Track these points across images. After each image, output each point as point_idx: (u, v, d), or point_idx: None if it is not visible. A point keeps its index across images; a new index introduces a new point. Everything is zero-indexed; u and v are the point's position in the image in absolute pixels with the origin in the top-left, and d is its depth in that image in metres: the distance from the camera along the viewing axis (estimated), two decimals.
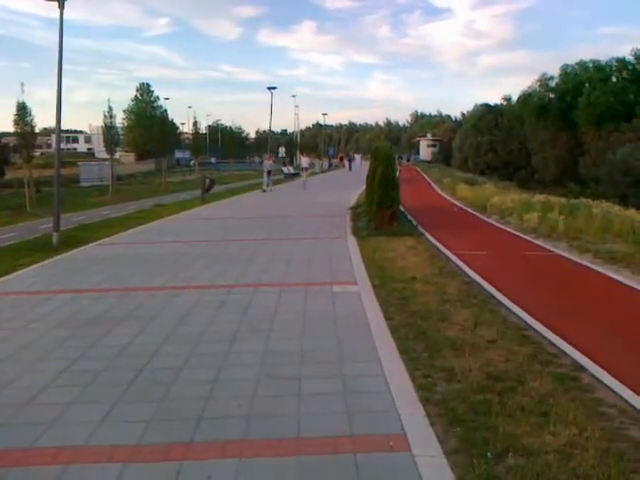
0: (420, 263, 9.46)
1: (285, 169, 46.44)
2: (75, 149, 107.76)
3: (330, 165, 66.03)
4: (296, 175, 46.60)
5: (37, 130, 34.68)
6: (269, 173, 27.15)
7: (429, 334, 5.73)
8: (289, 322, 6.03)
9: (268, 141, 46.83)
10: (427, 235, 12.79)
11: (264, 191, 26.76)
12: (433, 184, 35.55)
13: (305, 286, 7.67)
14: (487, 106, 69.41)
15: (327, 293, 7.24)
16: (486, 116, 66.13)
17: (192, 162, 69.24)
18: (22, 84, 31.68)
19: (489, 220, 16.48)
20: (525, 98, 54.92)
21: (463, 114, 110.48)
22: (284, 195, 26.43)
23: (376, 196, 13.25)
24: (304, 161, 38.61)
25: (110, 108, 36.73)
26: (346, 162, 59.88)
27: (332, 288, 7.48)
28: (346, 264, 9.24)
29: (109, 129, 37.00)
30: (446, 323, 6.10)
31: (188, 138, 75.32)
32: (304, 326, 5.87)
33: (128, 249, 11.58)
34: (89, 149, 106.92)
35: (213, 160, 70.45)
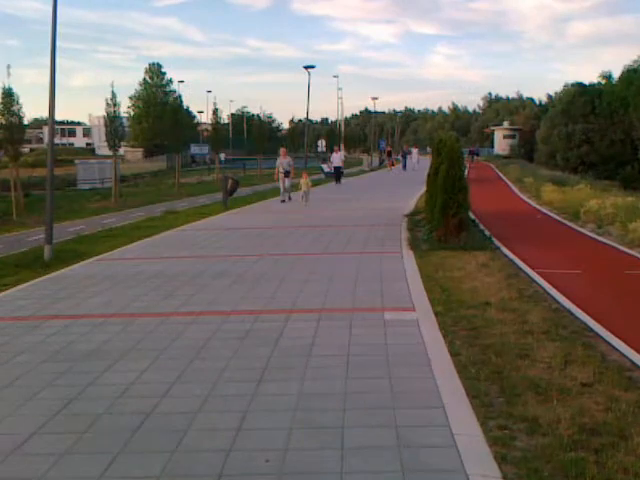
0: (495, 284, 9.37)
1: (325, 167, 46.73)
2: (72, 144, 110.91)
3: (381, 162, 66.14)
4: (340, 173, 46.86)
5: (26, 122, 35.83)
6: (287, 175, 24.39)
7: (506, 374, 5.66)
8: (329, 357, 6.05)
9: (305, 132, 47.30)
10: (503, 249, 12.66)
11: (283, 201, 24.23)
12: (511, 185, 35.21)
13: (350, 312, 7.68)
14: (581, 86, 68.42)
15: (377, 321, 7.24)
16: (579, 99, 65.20)
17: (207, 157, 70.28)
18: (8, 66, 32.62)
19: (583, 230, 16.20)
20: (630, 75, 53.98)
21: (550, 96, 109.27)
22: (323, 200, 26.58)
23: (439, 200, 13.20)
24: (335, 158, 37.04)
25: (113, 94, 37.68)
26: (397, 158, 59.87)
27: (383, 315, 7.48)
28: (401, 285, 9.22)
29: (112, 120, 37.89)
30: (528, 361, 6.02)
31: (207, 130, 76.66)
32: (348, 362, 5.88)
33: (134, 266, 11.80)
34: (88, 144, 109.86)
35: (222, 157, 71.66)
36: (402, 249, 12.73)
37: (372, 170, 59.81)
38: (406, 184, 35.23)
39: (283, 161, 24.56)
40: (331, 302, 8.31)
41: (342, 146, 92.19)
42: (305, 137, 48.26)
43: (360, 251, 12.67)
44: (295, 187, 25.66)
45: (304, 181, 23.77)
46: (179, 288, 9.52)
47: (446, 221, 13.07)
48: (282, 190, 24.65)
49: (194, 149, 78.40)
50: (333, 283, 9.53)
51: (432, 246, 12.81)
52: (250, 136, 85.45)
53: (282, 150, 25.44)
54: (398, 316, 7.44)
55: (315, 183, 37.29)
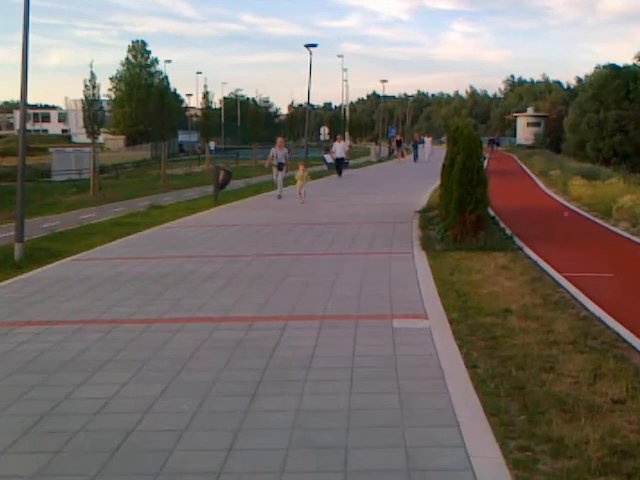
0: (516, 289, 9.38)
1: (328, 157, 46.74)
2: (46, 131, 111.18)
3: (391, 152, 66.19)
4: (345, 164, 46.80)
5: None
6: (280, 168, 24.03)
7: (528, 389, 5.66)
8: (332, 370, 6.05)
9: (306, 119, 47.32)
10: (526, 250, 12.66)
11: (279, 197, 23.75)
12: (535, 178, 35.22)
13: (355, 320, 7.69)
14: (614, 68, 68.35)
15: (385, 330, 7.25)
16: (612, 82, 65.16)
17: (197, 145, 70.34)
18: None
19: (616, 229, 16.19)
20: None
21: (579, 80, 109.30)
22: (325, 194, 26.58)
23: (455, 195, 13.21)
24: (338, 148, 36.42)
25: (93, 75, 37.64)
26: (408, 147, 59.84)
27: (392, 323, 7.49)
28: (412, 290, 9.24)
29: (91, 104, 37.87)
30: (553, 374, 6.02)
31: (196, 115, 76.72)
32: (352, 375, 5.88)
33: (115, 266, 11.82)
34: (64, 130, 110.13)
35: (213, 146, 71.43)
36: (413, 249, 12.74)
37: (380, 161, 59.84)
38: (418, 177, 35.24)
39: (278, 152, 24.17)
40: (334, 308, 8.32)
41: (347, 134, 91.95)
42: (306, 124, 48.33)
43: (366, 251, 12.68)
44: (290, 180, 25.43)
45: (300, 174, 22.68)
46: (164, 292, 9.53)
47: (462, 218, 13.07)
48: (277, 184, 24.44)
49: (182, 137, 78.45)
50: (336, 287, 9.54)
51: (447, 246, 12.82)
52: (244, 123, 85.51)
53: (279, 140, 25.12)
54: (408, 324, 7.44)
55: (316, 175, 37.38)
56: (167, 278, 10.52)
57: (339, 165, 36.22)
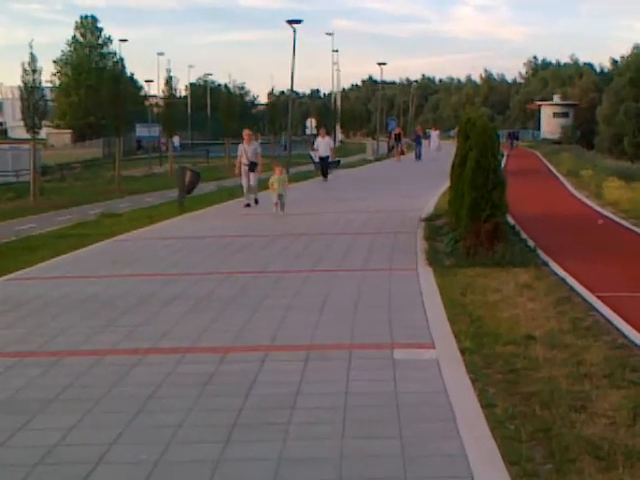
0: (541, 312, 9.41)
1: (315, 155, 46.84)
2: None
3: (390, 148, 66.41)
4: (334, 164, 46.81)
5: None
6: (252, 169, 23.28)
7: (555, 432, 5.67)
8: (320, 411, 6.05)
9: (289, 109, 47.44)
10: (552, 265, 12.70)
11: (247, 205, 23.25)
12: (563, 179, 35.42)
13: (348, 350, 7.69)
14: None
15: (384, 362, 7.25)
16: None
17: (159, 141, 70.25)
18: None
19: None
20: None
21: (614, 62, 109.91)
22: (312, 199, 26.64)
23: (467, 199, 13.25)
24: (321, 145, 35.61)
25: (33, 57, 37.62)
26: (408, 144, 60.02)
27: (393, 353, 7.49)
28: (416, 313, 9.25)
29: (31, 92, 37.83)
30: (584, 414, 6.03)
31: (158, 105, 76.77)
32: (345, 417, 5.88)
33: (59, 287, 11.78)
34: None
35: (177, 141, 70.82)
36: (418, 265, 12.77)
37: (378, 160, 60.02)
38: (423, 178, 35.37)
39: (247, 148, 23.31)
40: (323, 336, 8.31)
41: (338, 128, 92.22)
42: (289, 115, 48.48)
43: (362, 268, 12.69)
44: (263, 185, 24.41)
45: (277, 178, 20.90)
46: (119, 317, 9.50)
47: (476, 227, 13.10)
48: (246, 189, 23.59)
49: (140, 131, 78.45)
50: (325, 311, 9.54)
51: (458, 261, 12.84)
52: (215, 113, 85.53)
53: (246, 133, 24.01)
54: (412, 355, 7.44)
55: (302, 177, 37.48)
56: (122, 301, 10.50)
57: (324, 166, 35.80)
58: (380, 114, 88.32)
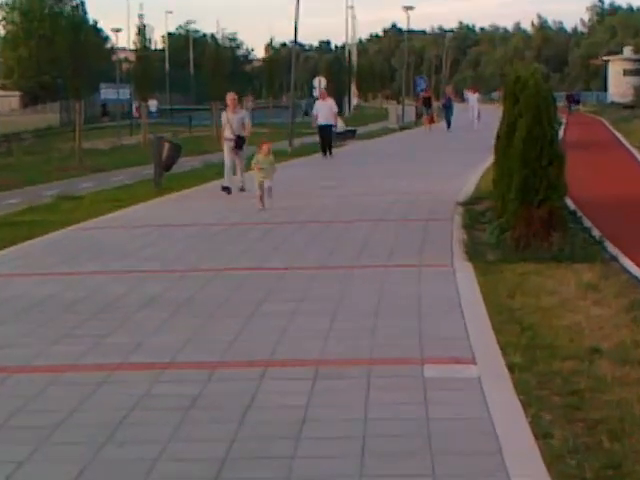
0: (609, 319, 9.37)
1: (313, 122, 46.83)
2: None
3: (419, 115, 66.31)
4: (349, 134, 46.87)
5: None
6: (238, 144, 22.39)
7: (628, 469, 5.65)
8: (332, 442, 6.02)
9: (292, 65, 47.27)
10: (623, 260, 12.64)
11: (227, 191, 22.22)
12: (636, 153, 35.22)
13: (367, 366, 7.68)
14: None
15: (412, 381, 7.23)
16: None
17: (129, 106, 70.18)
18: None
19: None
20: None
21: None
22: (322, 177, 26.59)
23: (516, 179, 13.21)
24: (321, 109, 34.66)
25: None
26: (434, 110, 59.72)
27: (423, 370, 7.48)
28: (453, 321, 9.24)
29: None
30: None
31: (128, 60, 76.76)
32: (364, 449, 5.85)
33: (5, 287, 11.84)
34: None
35: (154, 106, 70.16)
36: (454, 260, 12.76)
37: (404, 128, 60.00)
38: (460, 152, 35.31)
39: (232, 117, 22.64)
40: (335, 349, 8.30)
41: (353, 88, 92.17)
42: (292, 73, 48.27)
43: (383, 263, 12.67)
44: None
45: (262, 158, 19.19)
46: (81, 325, 9.50)
47: (528, 213, 13.06)
48: (227, 168, 22.63)
49: (106, 93, 78.41)
50: (339, 317, 9.54)
51: (504, 255, 12.80)
52: (200, 71, 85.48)
53: (230, 98, 23.32)
54: (448, 372, 7.43)
55: (305, 151, 37.42)
56: (85, 305, 10.50)
57: (325, 137, 34.94)
58: (406, 72, 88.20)
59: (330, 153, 34.84)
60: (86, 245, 15.47)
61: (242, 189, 22.29)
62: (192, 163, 33.03)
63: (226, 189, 22.30)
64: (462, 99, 59.10)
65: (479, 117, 52.70)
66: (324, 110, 34.77)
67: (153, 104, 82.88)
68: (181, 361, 8.09)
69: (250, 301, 10.43)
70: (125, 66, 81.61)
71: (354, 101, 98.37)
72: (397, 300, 10.31)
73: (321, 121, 34.71)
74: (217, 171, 29.29)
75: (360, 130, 53.46)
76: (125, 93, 75.27)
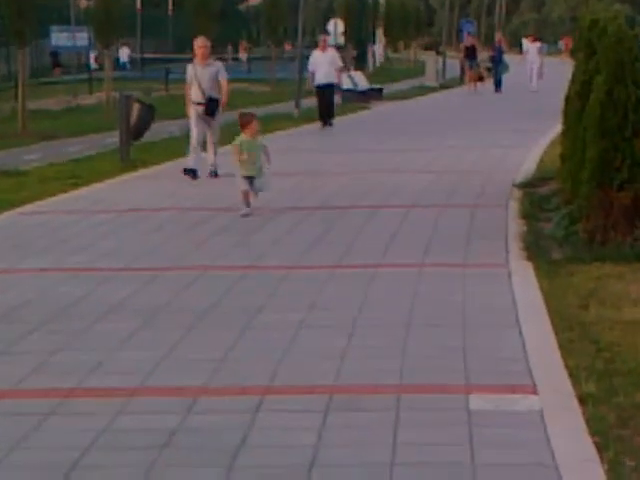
0: None
1: (343, 78, 46.77)
2: None
3: (464, 70, 66.15)
4: (373, 93, 46.92)
5: None
6: (210, 111, 21.35)
7: None
8: None
9: (299, 2, 47.17)
10: None
11: (191, 175, 20.96)
12: None
13: (394, 395, 7.68)
14: None
15: (453, 414, 7.24)
16: None
17: (88, 55, 70.17)
18: None
19: None
20: None
21: None
22: (337, 149, 26.58)
23: (591, 153, 13.17)
24: (319, 64, 33.83)
25: None
26: (477, 61, 59.54)
27: (468, 401, 7.49)
28: (507, 338, 9.25)
29: None
30: None
31: None
32: None
33: None
34: None
35: (124, 56, 69.57)
36: (510, 258, 12.78)
37: (445, 87, 59.94)
38: (516, 119, 35.28)
39: (202, 72, 21.60)
40: (353, 372, 8.30)
41: (379, 34, 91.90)
42: (299, 14, 48.21)
43: (417, 262, 12.67)
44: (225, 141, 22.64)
45: (248, 140, 17.07)
46: (24, 337, 9.51)
47: (606, 199, 13.02)
48: (194, 143, 21.52)
49: (59, 38, 78.06)
50: (358, 332, 9.54)
51: (575, 253, 12.78)
52: (181, 11, 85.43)
53: (199, 44, 22.11)
54: (500, 404, 7.43)
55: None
56: (29, 312, 10.53)
57: (322, 100, 34.42)
58: (449, 13, 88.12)
59: (330, 123, 34.52)
60: (31, 235, 15.45)
61: (214, 173, 21.38)
62: (169, 129, 32.93)
63: (191, 172, 21.10)
64: (521, 50, 58.69)
65: (540, 74, 52.53)
66: (323, 65, 33.96)
67: (126, 53, 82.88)
68: (153, 385, 8.10)
69: (243, 309, 10.44)
70: (83, 3, 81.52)
71: (380, 51, 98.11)
72: (435, 310, 10.32)
73: (320, 80, 34.08)
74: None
75: (388, 89, 53.50)
76: (83, 38, 74.93)
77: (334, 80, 34.37)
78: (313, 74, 34.45)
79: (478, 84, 54.44)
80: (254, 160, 16.65)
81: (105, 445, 6.85)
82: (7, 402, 7.76)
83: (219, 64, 22.60)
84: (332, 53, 35.26)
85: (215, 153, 21.53)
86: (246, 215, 16.27)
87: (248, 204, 16.51)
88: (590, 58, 14.06)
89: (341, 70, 36.26)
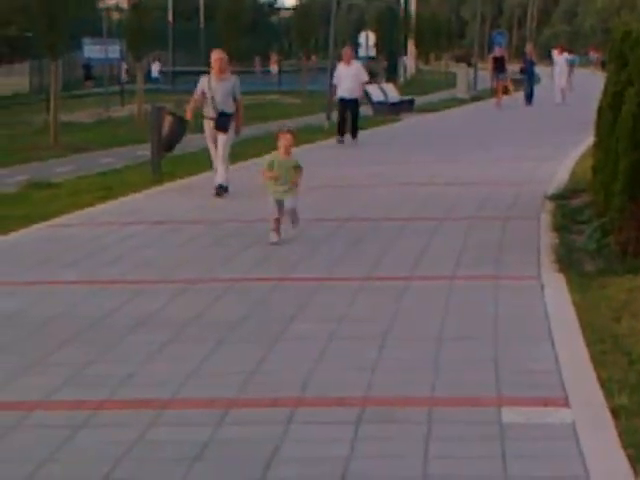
0: None
1: (374, 90, 46.81)
2: None
3: (496, 80, 65.94)
4: (405, 105, 46.93)
5: None
6: (221, 126, 20.34)
7: None
8: None
9: (331, 14, 47.26)
10: None
11: (221, 192, 20.19)
12: None
13: (427, 408, 7.68)
14: None
15: (486, 428, 7.24)
16: None
17: (120, 67, 70.30)
18: None
19: None
20: None
21: None
22: (366, 160, 26.55)
23: (624, 165, 13.11)
24: (344, 76, 32.43)
25: None
26: (509, 77, 59.22)
27: (500, 415, 7.48)
28: (539, 350, 9.23)
29: None
30: None
31: (119, 8, 76.84)
32: None
33: None
34: None
35: (156, 69, 69.83)
36: (541, 271, 12.72)
37: (476, 99, 59.83)
38: (547, 131, 35.17)
39: (217, 85, 20.67)
40: (385, 384, 8.30)
41: (410, 46, 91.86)
42: (331, 26, 48.27)
43: (448, 274, 12.64)
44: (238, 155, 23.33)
45: (281, 158, 15.31)
46: (55, 350, 9.53)
47: (638, 211, 12.95)
48: (214, 157, 20.96)
49: (91, 50, 78.24)
50: (389, 344, 9.54)
51: (608, 265, 12.72)
52: (212, 23, 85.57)
53: (216, 57, 20.89)
54: (532, 417, 7.41)
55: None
56: (60, 324, 10.55)
57: (344, 114, 32.99)
58: (481, 26, 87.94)
59: (355, 136, 33.16)
60: (63, 247, 15.46)
61: (222, 187, 20.49)
62: (201, 142, 32.93)
63: (221, 189, 20.46)
64: (551, 62, 58.35)
65: (569, 87, 52.37)
66: (347, 78, 32.66)
67: (156, 67, 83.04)
68: (184, 398, 8.11)
69: (274, 321, 10.45)
70: (116, 15, 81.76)
71: (411, 63, 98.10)
72: (466, 322, 10.29)
73: (343, 93, 32.79)
74: (233, 152, 29.37)
75: (419, 100, 53.39)
76: (115, 51, 75.10)
77: (358, 94, 33.36)
78: (335, 88, 33.61)
79: (503, 97, 54.05)
80: (285, 180, 15.09)
81: (136, 457, 6.87)
82: (38, 414, 7.77)
83: (235, 78, 21.37)
84: (357, 66, 34.09)
85: (225, 167, 20.62)
86: (275, 244, 14.84)
87: (278, 231, 15.02)
88: (622, 69, 14.01)
89: (367, 83, 35.36)
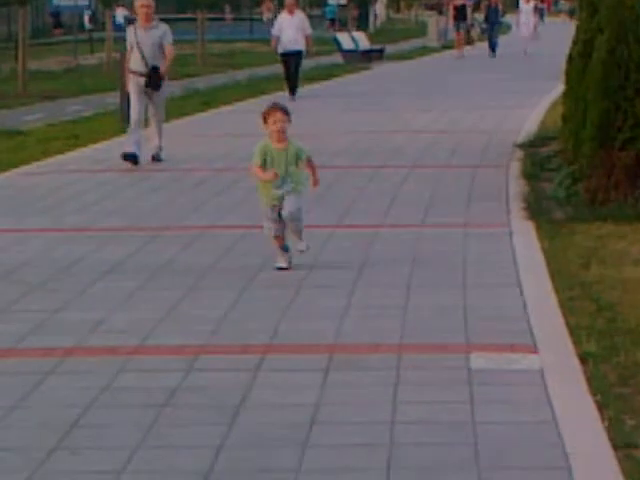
0: None
1: (345, 39, 46.61)
2: None
3: (469, 30, 65.75)
4: (375, 54, 46.83)
5: None
6: (152, 81, 18.36)
7: None
8: (351, 451, 6.02)
9: None
10: None
11: (131, 160, 17.76)
12: None
13: (396, 353, 7.69)
14: None
15: (454, 373, 7.25)
16: None
17: (88, 14, 69.85)
18: None
19: None
20: None
21: None
22: (338, 108, 26.52)
23: (593, 113, 13.13)
24: (286, 27, 30.76)
25: None
26: (480, 25, 59.01)
27: (469, 360, 7.50)
28: (507, 297, 9.25)
29: None
30: None
31: None
32: (390, 462, 5.82)
33: None
34: None
35: (120, 17, 69.78)
36: (511, 218, 12.76)
37: (447, 47, 59.71)
38: (517, 77, 35.12)
39: (144, 35, 18.71)
40: (353, 331, 8.32)
41: None
42: None
43: (418, 222, 12.66)
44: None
45: (277, 148, 10.63)
46: (24, 297, 9.53)
47: (608, 159, 12.98)
48: (134, 121, 18.66)
49: None
50: (358, 290, 9.57)
51: (577, 212, 12.76)
52: None
53: (141, 3, 18.92)
54: (500, 363, 7.43)
55: (324, 72, 37.27)
56: (29, 271, 10.54)
57: (289, 68, 31.53)
58: None
59: (293, 93, 31.12)
60: (31, 195, 15.41)
61: (157, 157, 18.74)
62: (170, 89, 32.81)
63: (131, 157, 17.93)
64: (520, 10, 57.99)
65: (533, 36, 52.25)
66: (290, 29, 31.11)
67: (120, 14, 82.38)
68: (153, 344, 8.11)
69: (244, 268, 10.47)
70: None
71: (382, 12, 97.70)
72: (435, 269, 10.32)
73: (286, 45, 31.11)
74: (203, 100, 29.24)
75: (390, 49, 53.26)
76: None
77: (302, 47, 31.22)
78: (277, 39, 31.48)
79: (466, 48, 53.74)
80: (287, 180, 10.65)
81: (105, 403, 6.84)
82: (7, 361, 7.76)
83: (165, 27, 19.12)
84: (300, 17, 32.34)
85: (160, 134, 18.93)
86: (282, 269, 10.59)
87: (285, 250, 10.74)
88: (592, 17, 13.98)
89: (309, 37, 31.94)
